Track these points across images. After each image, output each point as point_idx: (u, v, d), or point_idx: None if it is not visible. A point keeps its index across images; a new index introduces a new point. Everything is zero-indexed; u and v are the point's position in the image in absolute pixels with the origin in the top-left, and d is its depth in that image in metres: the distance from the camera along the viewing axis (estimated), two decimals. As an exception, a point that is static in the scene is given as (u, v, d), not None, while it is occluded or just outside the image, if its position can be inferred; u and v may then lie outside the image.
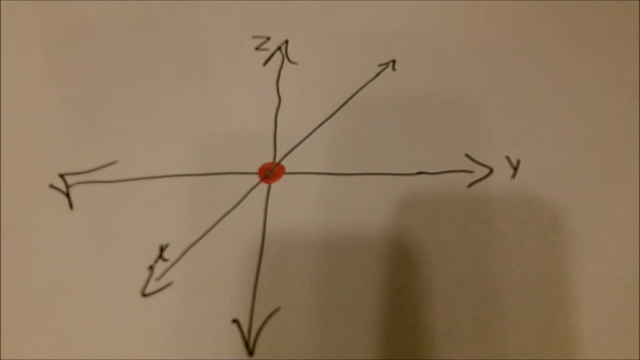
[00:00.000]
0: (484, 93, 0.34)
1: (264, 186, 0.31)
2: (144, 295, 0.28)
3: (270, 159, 0.32)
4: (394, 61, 0.36)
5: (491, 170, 0.31)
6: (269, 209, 0.30)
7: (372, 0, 0.39)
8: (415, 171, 0.31)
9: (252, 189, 0.31)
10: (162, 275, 0.28)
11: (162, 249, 0.28)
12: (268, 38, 0.37)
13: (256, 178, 0.31)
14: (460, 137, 0.32)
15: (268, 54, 0.36)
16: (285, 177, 0.31)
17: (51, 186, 0.30)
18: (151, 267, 0.28)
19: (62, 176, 0.28)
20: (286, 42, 0.36)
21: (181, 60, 0.36)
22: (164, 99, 0.34)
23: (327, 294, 0.28)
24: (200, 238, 0.29)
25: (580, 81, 0.35)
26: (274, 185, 0.31)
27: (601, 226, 0.29)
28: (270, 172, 0.30)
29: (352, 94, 0.34)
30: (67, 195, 0.28)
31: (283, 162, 0.32)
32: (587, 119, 0.33)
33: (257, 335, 0.27)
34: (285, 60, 0.36)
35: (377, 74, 0.35)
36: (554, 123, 0.33)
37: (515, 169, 0.30)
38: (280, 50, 0.36)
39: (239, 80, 0.35)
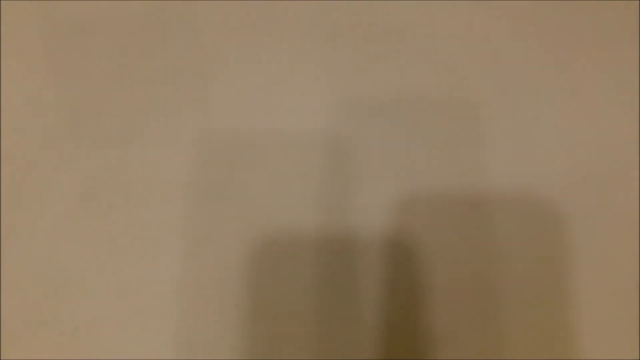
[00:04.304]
0: (484, 93, 0.34)
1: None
2: (143, 295, 0.28)
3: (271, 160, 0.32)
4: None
5: None
6: (269, 209, 0.30)
7: (371, 0, 0.39)
8: (415, 171, 0.31)
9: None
10: (161, 275, 0.28)
11: None
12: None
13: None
14: (460, 136, 0.32)
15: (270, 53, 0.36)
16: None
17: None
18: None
19: None
20: None
21: (182, 59, 0.36)
22: (165, 98, 0.34)
23: (327, 294, 0.28)
24: (200, 237, 0.29)
25: (580, 81, 0.35)
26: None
27: (601, 226, 0.29)
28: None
29: (351, 93, 0.34)
30: None
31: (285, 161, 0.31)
32: (588, 119, 0.33)
33: None
34: (284, 60, 0.36)
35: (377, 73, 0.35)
36: (554, 123, 0.33)
37: None
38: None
39: (240, 80, 0.35)
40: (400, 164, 0.31)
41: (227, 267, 0.28)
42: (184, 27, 0.38)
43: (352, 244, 0.29)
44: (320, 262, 0.28)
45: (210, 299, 0.28)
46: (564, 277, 0.28)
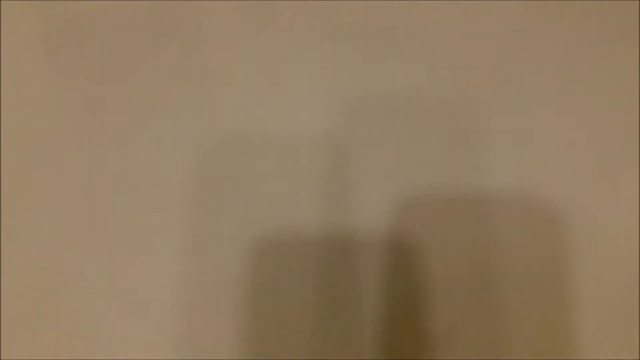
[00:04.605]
0: (484, 93, 0.34)
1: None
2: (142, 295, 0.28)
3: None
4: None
5: None
6: (269, 209, 0.30)
7: (371, 0, 0.39)
8: (415, 171, 0.31)
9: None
10: (161, 275, 0.28)
11: None
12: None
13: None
14: (460, 136, 0.32)
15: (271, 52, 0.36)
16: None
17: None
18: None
19: None
20: None
21: (182, 59, 0.36)
22: (165, 99, 0.34)
23: (327, 293, 0.28)
24: (200, 237, 0.29)
25: (580, 81, 0.35)
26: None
27: (601, 226, 0.29)
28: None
29: (351, 93, 0.34)
30: None
31: (284, 161, 0.32)
32: (587, 119, 0.33)
33: None
34: (284, 60, 0.36)
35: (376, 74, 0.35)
36: (554, 123, 0.33)
37: None
38: None
39: (240, 80, 0.35)
40: (400, 164, 0.31)
41: (227, 267, 0.28)
42: (185, 27, 0.38)
43: (352, 244, 0.29)
44: (321, 262, 0.28)
45: (210, 299, 0.28)
46: (564, 277, 0.28)
